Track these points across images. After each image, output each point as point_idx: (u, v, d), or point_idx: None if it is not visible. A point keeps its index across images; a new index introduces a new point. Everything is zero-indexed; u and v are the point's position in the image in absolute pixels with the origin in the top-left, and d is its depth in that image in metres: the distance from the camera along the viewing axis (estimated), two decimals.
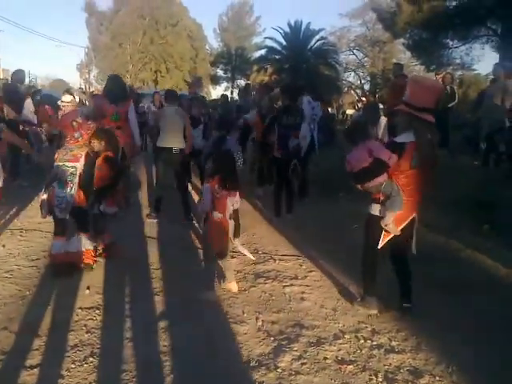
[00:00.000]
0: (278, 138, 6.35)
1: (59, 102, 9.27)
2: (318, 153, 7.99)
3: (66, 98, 8.97)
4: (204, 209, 4.01)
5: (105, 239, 4.75)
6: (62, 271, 4.28)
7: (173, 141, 6.23)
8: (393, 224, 3.56)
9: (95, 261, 4.54)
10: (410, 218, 3.63)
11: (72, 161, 4.31)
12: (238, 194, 4.09)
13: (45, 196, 4.30)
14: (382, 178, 3.51)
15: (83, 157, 4.35)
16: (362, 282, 3.93)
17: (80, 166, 4.33)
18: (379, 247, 3.68)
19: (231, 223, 4.07)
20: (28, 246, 5.04)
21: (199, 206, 4.07)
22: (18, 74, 8.80)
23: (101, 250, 4.72)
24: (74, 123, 4.34)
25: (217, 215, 3.92)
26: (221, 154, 4.38)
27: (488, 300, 4.03)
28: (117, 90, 6.48)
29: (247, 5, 49.34)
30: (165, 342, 3.26)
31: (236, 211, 4.13)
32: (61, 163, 4.32)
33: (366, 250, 3.85)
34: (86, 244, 4.45)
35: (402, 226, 3.61)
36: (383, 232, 3.63)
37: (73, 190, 4.27)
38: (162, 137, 6.29)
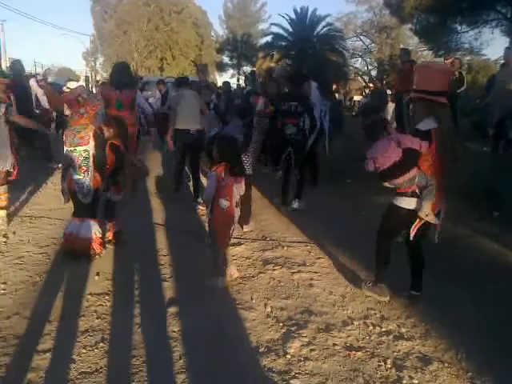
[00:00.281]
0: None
1: (65, 89, 9.30)
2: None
3: (72, 84, 9.00)
4: (209, 196, 3.94)
5: (115, 226, 4.78)
6: (71, 257, 4.33)
7: (191, 122, 6.35)
8: (431, 212, 3.46)
9: (102, 249, 4.55)
10: (441, 205, 3.58)
11: (82, 144, 4.27)
12: (243, 180, 4.05)
13: (65, 184, 4.38)
14: (414, 171, 3.41)
15: (91, 138, 4.30)
16: (373, 269, 3.89)
17: (91, 147, 4.30)
18: (412, 238, 3.59)
19: (237, 211, 4.05)
20: (38, 232, 5.07)
21: (204, 193, 4.03)
22: (17, 64, 8.59)
23: (110, 237, 4.75)
24: (80, 98, 4.33)
25: (223, 203, 3.87)
26: (224, 139, 4.28)
27: (497, 287, 4.02)
28: (120, 78, 6.25)
29: None
30: (174, 328, 3.28)
31: (249, 197, 4.06)
32: (71, 148, 4.29)
33: (382, 238, 3.77)
34: (96, 230, 4.46)
35: (435, 213, 3.53)
36: (416, 222, 3.53)
37: (89, 173, 4.30)
38: (180, 119, 6.37)
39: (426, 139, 3.38)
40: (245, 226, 5.44)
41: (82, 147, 4.28)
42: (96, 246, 4.42)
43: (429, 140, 3.38)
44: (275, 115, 6.40)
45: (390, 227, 3.74)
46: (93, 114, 4.40)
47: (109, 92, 6.19)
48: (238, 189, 3.97)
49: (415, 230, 3.57)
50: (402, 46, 22.15)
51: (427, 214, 3.44)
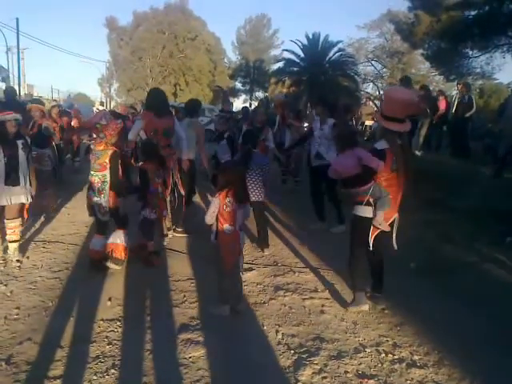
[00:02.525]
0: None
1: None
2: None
3: (100, 108, 9.42)
4: (209, 220, 3.88)
5: (150, 246, 5.03)
6: (97, 266, 4.70)
7: (184, 152, 6.26)
8: (383, 222, 3.81)
9: (125, 259, 4.77)
10: (394, 215, 3.96)
11: (100, 170, 4.61)
12: (248, 205, 4.07)
13: (86, 201, 4.82)
14: (371, 183, 3.78)
15: (108, 163, 4.60)
16: (351, 281, 4.19)
17: (108, 173, 4.62)
18: (370, 246, 3.92)
19: (242, 234, 4.04)
20: (51, 257, 5.11)
21: (205, 217, 3.98)
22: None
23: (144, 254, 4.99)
24: (98, 125, 4.60)
25: (228, 228, 3.84)
26: (230, 166, 4.26)
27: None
28: (161, 104, 5.75)
29: (265, 18, 49.79)
30: (185, 355, 3.27)
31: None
32: (92, 172, 4.66)
33: (355, 249, 4.05)
34: (121, 239, 4.74)
35: (389, 223, 3.91)
36: (370, 230, 3.88)
37: (105, 196, 4.63)
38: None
39: (381, 158, 3.75)
40: (265, 250, 5.58)
41: (100, 173, 4.62)
42: (118, 253, 4.69)
43: (383, 158, 3.76)
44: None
45: (359, 237, 3.99)
46: (110, 138, 4.60)
47: (151, 119, 5.57)
48: (241, 214, 3.94)
49: (372, 238, 3.90)
50: (405, 75, 21.89)
51: (380, 223, 3.82)
